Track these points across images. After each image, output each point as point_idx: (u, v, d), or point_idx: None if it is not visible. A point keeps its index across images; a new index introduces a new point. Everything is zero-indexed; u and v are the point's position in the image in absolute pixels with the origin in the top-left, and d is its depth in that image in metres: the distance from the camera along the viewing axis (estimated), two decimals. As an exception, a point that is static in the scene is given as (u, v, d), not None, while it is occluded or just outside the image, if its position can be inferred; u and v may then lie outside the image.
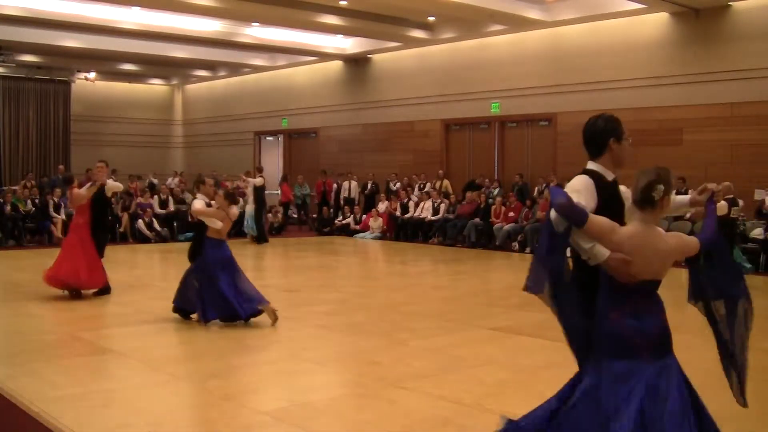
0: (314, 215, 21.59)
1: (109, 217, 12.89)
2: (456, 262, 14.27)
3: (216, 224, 7.62)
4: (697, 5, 14.56)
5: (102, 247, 9.62)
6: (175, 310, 7.92)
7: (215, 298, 7.52)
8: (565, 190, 3.26)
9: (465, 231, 16.93)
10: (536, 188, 16.99)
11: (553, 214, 3.14)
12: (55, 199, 17.12)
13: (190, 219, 12.91)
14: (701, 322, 3.59)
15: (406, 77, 20.42)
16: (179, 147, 29.07)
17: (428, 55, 19.82)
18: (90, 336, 7.19)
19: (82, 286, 9.15)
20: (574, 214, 3.06)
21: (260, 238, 17.06)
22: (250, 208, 17.28)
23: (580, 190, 3.33)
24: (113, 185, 10.02)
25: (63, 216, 16.80)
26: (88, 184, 9.52)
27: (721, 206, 10.58)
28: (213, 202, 7.89)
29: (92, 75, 25.55)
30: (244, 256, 14.90)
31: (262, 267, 13.72)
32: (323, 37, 20.24)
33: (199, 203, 7.87)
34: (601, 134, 3.50)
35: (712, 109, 14.64)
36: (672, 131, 15.16)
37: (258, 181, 17.54)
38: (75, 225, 9.39)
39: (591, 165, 3.52)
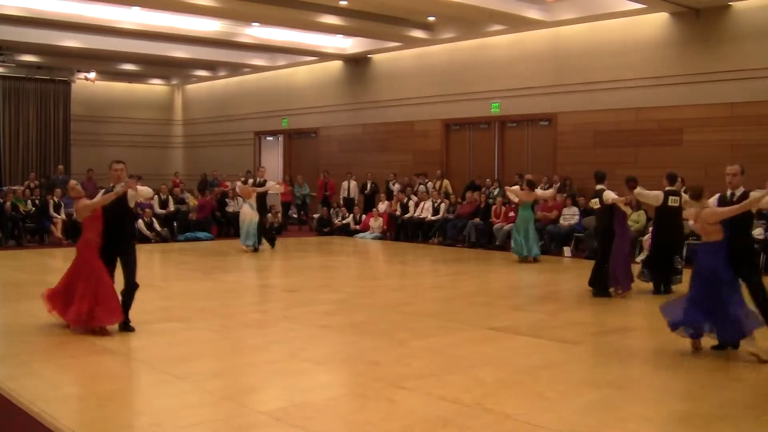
0: (314, 215, 21.59)
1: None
2: (456, 262, 14.26)
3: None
4: (697, 5, 14.56)
5: (130, 275, 7.35)
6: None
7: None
8: None
9: (465, 231, 16.93)
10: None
11: None
12: (55, 199, 17.13)
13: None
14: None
15: (406, 77, 20.42)
16: (179, 147, 29.06)
17: (428, 55, 19.82)
18: (90, 336, 7.19)
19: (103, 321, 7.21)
20: None
21: (273, 243, 15.89)
22: (254, 216, 15.08)
23: None
24: (145, 191, 8.07)
25: (63, 216, 16.82)
26: (102, 192, 7.65)
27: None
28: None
29: (92, 75, 25.54)
30: (246, 258, 14.91)
31: (263, 267, 13.70)
32: (323, 37, 20.24)
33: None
34: None
35: (712, 109, 14.63)
36: (672, 131, 15.16)
37: (279, 188, 17.14)
38: (83, 243, 7.42)
39: None
